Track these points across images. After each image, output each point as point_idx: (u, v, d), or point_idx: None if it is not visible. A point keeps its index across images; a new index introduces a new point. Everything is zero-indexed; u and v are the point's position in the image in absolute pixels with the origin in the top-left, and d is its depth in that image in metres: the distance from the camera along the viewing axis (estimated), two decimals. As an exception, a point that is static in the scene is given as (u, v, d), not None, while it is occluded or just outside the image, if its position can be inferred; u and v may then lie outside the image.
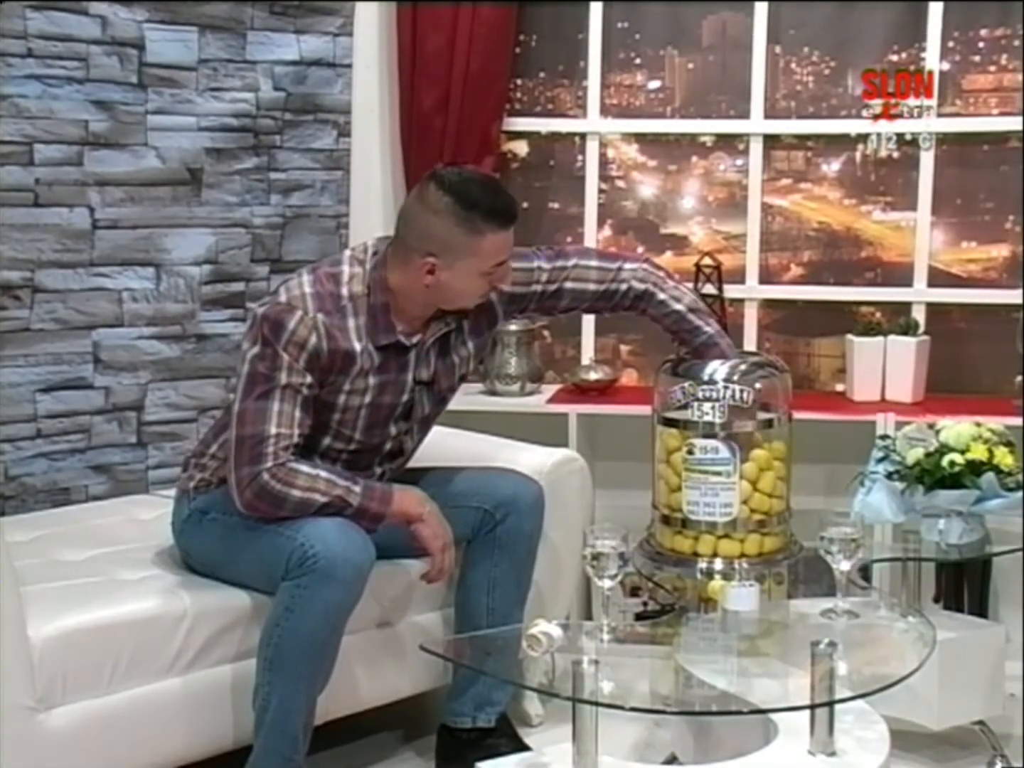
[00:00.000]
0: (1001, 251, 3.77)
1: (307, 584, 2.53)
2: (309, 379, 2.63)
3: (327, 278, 2.68)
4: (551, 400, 3.79)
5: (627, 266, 2.89)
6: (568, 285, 2.87)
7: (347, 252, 2.77)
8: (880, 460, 3.06)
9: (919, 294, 3.80)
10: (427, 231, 2.63)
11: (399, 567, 2.88)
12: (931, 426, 3.07)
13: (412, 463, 2.99)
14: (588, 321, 3.94)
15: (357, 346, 2.67)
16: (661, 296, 2.86)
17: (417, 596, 2.92)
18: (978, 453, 2.92)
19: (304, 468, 2.63)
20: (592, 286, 2.87)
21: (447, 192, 2.62)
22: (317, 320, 2.63)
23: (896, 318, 3.77)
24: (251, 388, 2.63)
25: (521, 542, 2.88)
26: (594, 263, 2.89)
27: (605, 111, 3.94)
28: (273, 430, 2.60)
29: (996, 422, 3.07)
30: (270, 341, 2.61)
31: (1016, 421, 3.29)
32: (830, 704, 2.22)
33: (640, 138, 3.94)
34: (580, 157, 3.96)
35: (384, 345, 2.69)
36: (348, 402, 2.71)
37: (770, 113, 3.85)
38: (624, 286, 2.87)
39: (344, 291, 2.67)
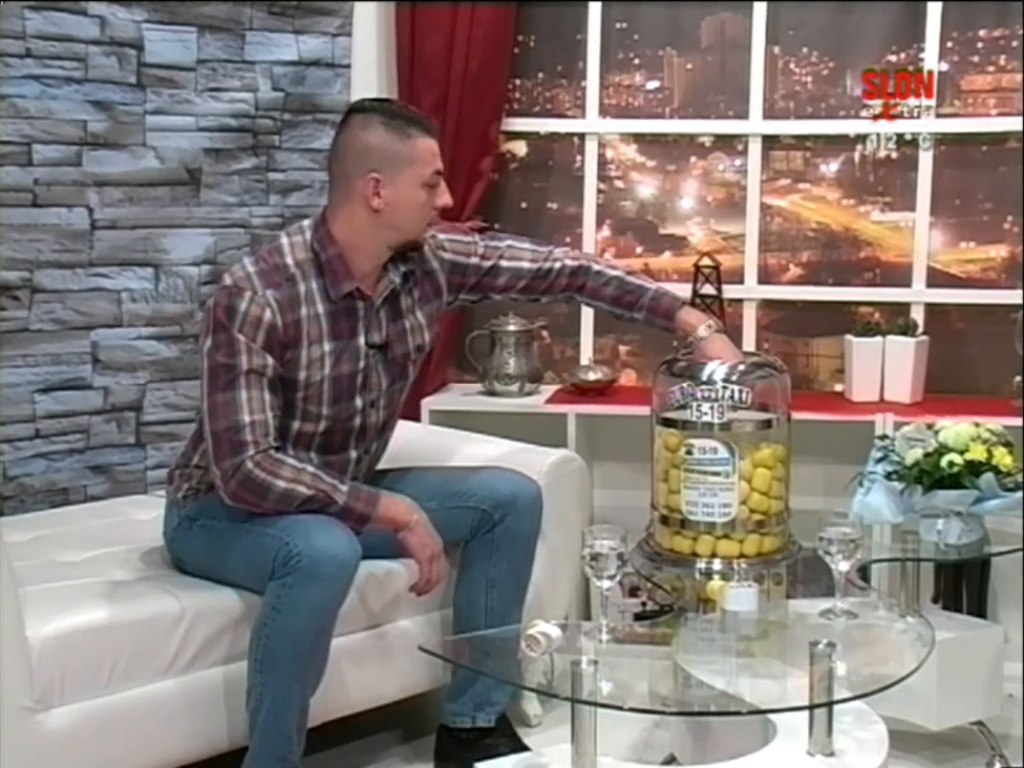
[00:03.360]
0: (1000, 252, 3.77)
1: (292, 583, 2.53)
2: (269, 360, 2.65)
3: (268, 254, 2.73)
4: (550, 400, 3.79)
5: (557, 249, 3.02)
6: (503, 263, 2.96)
7: (283, 231, 2.83)
8: (879, 460, 3.06)
9: (918, 294, 3.80)
10: (364, 150, 2.71)
11: (396, 568, 2.88)
12: (930, 426, 3.06)
13: (410, 463, 2.99)
14: (587, 321, 3.94)
15: (308, 311, 2.69)
16: (597, 267, 3.00)
17: (415, 597, 2.91)
18: (977, 453, 2.92)
19: (290, 461, 2.64)
20: (527, 264, 2.97)
21: (369, 111, 2.76)
22: (268, 297, 2.65)
23: (895, 318, 3.77)
24: (215, 381, 2.64)
25: (520, 542, 2.88)
26: (527, 245, 3.02)
27: (604, 111, 3.94)
28: (247, 418, 2.62)
29: (995, 422, 3.07)
30: (224, 326, 2.63)
31: (1015, 421, 3.29)
32: (829, 704, 2.22)
33: (639, 138, 3.94)
34: (579, 157, 3.96)
35: (340, 301, 2.71)
36: (310, 377, 2.71)
37: (769, 113, 3.85)
38: (558, 264, 2.98)
39: (289, 260, 2.71)
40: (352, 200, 2.71)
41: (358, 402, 2.79)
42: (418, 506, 2.72)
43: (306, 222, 2.79)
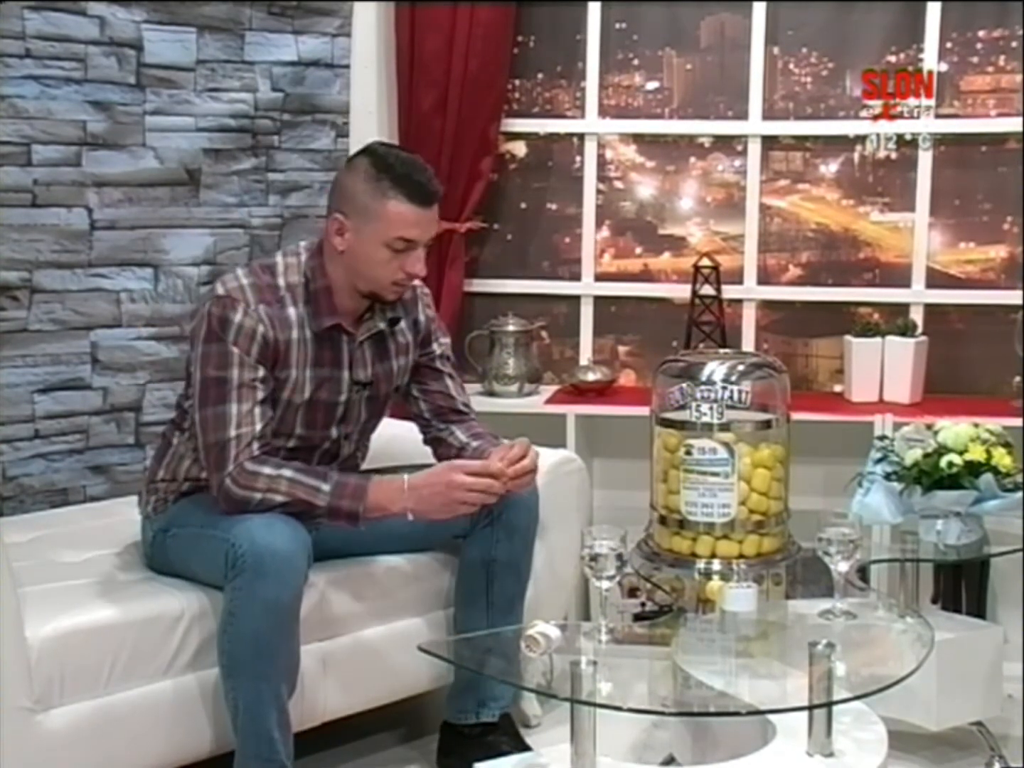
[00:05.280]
0: (999, 252, 3.77)
1: (241, 585, 2.52)
2: (261, 372, 2.66)
3: (262, 270, 2.74)
4: (549, 401, 3.79)
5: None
6: (448, 380, 2.95)
7: (280, 251, 2.85)
8: (878, 461, 3.06)
9: (917, 295, 3.80)
10: (341, 189, 2.72)
11: (395, 565, 2.89)
12: (929, 427, 3.07)
13: (409, 461, 2.98)
14: (586, 321, 3.94)
15: (295, 335, 2.70)
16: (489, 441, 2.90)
17: (416, 595, 2.92)
18: (976, 454, 2.92)
19: (266, 470, 2.63)
20: (461, 399, 2.95)
21: (368, 155, 2.73)
22: (260, 311, 2.67)
23: (894, 319, 3.77)
24: (205, 394, 2.66)
25: (519, 533, 2.88)
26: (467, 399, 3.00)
27: (603, 112, 3.94)
28: (232, 433, 2.63)
29: (994, 423, 3.07)
30: (219, 337, 2.65)
31: (1014, 422, 3.30)
32: (828, 705, 2.22)
33: (638, 139, 3.94)
34: (578, 158, 3.96)
35: (323, 332, 2.72)
36: (292, 399, 2.72)
37: (768, 114, 3.85)
38: (474, 418, 2.96)
39: (281, 281, 2.72)
40: (328, 235, 2.73)
41: (333, 432, 2.81)
42: (408, 481, 2.67)
43: (303, 244, 2.80)
